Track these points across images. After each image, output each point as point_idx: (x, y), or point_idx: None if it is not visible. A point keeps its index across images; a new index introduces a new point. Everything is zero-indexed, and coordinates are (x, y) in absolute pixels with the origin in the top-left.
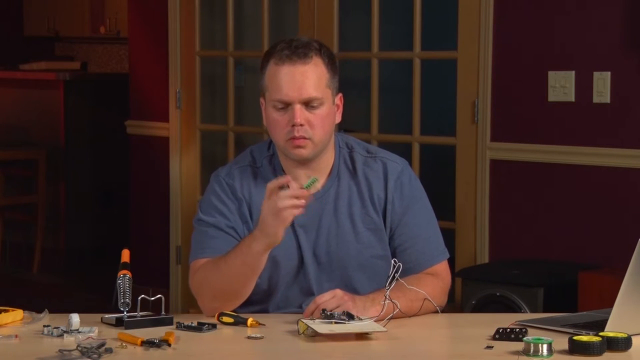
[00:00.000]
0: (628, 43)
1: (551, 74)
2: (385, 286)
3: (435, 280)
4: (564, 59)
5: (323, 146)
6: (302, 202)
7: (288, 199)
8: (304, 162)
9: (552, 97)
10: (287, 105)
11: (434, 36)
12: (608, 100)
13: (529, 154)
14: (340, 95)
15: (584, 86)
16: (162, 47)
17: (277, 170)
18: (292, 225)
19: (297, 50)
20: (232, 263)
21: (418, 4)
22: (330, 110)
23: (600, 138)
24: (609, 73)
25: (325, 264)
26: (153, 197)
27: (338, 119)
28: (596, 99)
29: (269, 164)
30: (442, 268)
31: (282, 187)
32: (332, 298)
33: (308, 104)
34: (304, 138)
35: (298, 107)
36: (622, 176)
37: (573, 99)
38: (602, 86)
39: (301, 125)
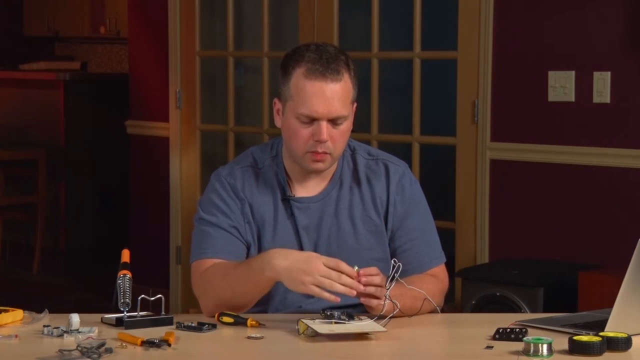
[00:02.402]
0: (628, 43)
1: (551, 74)
2: (385, 286)
3: (435, 281)
4: (564, 59)
5: (338, 158)
6: (335, 297)
7: (335, 284)
8: (317, 172)
9: (552, 97)
10: (312, 120)
11: (434, 36)
12: (608, 100)
13: (529, 154)
14: (355, 104)
15: (584, 86)
16: (162, 47)
17: (280, 171)
18: (295, 227)
19: (329, 66)
20: (243, 282)
21: (418, 4)
22: (350, 123)
23: (600, 138)
24: (609, 73)
25: None
26: (153, 197)
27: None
28: (596, 99)
29: (271, 164)
30: (441, 270)
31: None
32: (378, 275)
33: (334, 121)
34: (325, 153)
35: (325, 125)
36: (622, 176)
37: (573, 99)
38: (602, 86)
39: (325, 141)
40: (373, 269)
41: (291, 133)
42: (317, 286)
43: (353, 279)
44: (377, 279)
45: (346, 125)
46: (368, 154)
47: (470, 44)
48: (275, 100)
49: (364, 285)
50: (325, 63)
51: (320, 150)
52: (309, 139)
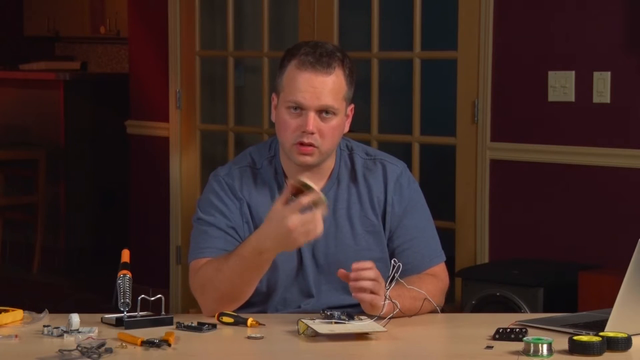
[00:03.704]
0: (628, 43)
1: (551, 74)
2: (386, 286)
3: (436, 281)
4: (564, 59)
5: (327, 155)
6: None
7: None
8: (306, 166)
9: (552, 97)
10: (301, 110)
11: (434, 36)
12: (608, 100)
13: (529, 154)
14: (352, 106)
15: (584, 86)
16: (162, 47)
17: (278, 172)
18: None
19: (321, 59)
20: (236, 267)
21: (418, 4)
22: (341, 122)
23: (600, 138)
24: (609, 73)
25: (324, 266)
26: (153, 197)
27: (346, 129)
28: (596, 99)
29: (269, 165)
30: (441, 269)
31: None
32: (371, 269)
33: (322, 113)
34: (312, 145)
35: (312, 115)
36: (622, 176)
37: (573, 99)
38: (602, 86)
39: (312, 133)
40: (367, 263)
41: (281, 124)
42: (308, 234)
43: (312, 189)
44: (371, 273)
45: (336, 122)
46: (366, 154)
47: (470, 44)
48: (273, 95)
49: (354, 279)
50: (318, 56)
51: (306, 141)
52: (296, 129)
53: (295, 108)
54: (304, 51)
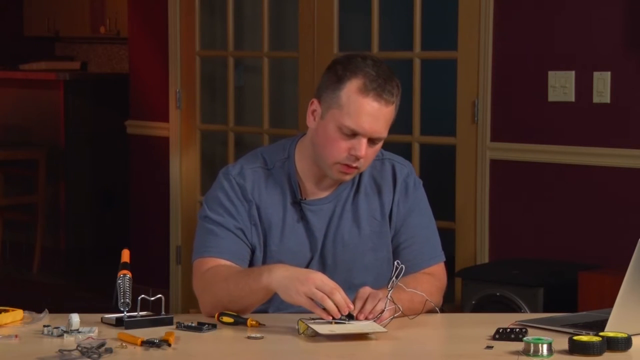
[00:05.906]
0: (628, 43)
1: (551, 74)
2: (388, 287)
3: (432, 280)
4: (564, 59)
5: None
6: (327, 317)
7: (325, 300)
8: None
9: (552, 97)
10: (353, 134)
11: (434, 36)
12: (608, 101)
13: (529, 154)
14: None
15: (584, 86)
16: (162, 47)
17: (291, 174)
18: (309, 229)
19: (386, 87)
20: (240, 287)
21: (418, 4)
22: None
23: (600, 138)
24: (609, 73)
25: (331, 265)
26: (153, 197)
27: None
28: (596, 99)
29: (281, 166)
30: (439, 269)
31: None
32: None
33: (373, 140)
34: (357, 167)
35: (365, 142)
36: (622, 176)
37: (573, 99)
38: (602, 86)
39: (362, 158)
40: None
41: (327, 140)
42: (310, 298)
43: (346, 304)
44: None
45: (380, 144)
46: None
47: (470, 44)
48: (315, 100)
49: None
50: (383, 83)
51: (353, 165)
52: (345, 151)
53: (350, 132)
54: (367, 74)
